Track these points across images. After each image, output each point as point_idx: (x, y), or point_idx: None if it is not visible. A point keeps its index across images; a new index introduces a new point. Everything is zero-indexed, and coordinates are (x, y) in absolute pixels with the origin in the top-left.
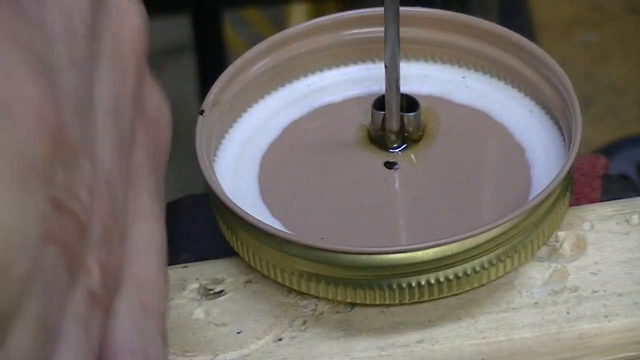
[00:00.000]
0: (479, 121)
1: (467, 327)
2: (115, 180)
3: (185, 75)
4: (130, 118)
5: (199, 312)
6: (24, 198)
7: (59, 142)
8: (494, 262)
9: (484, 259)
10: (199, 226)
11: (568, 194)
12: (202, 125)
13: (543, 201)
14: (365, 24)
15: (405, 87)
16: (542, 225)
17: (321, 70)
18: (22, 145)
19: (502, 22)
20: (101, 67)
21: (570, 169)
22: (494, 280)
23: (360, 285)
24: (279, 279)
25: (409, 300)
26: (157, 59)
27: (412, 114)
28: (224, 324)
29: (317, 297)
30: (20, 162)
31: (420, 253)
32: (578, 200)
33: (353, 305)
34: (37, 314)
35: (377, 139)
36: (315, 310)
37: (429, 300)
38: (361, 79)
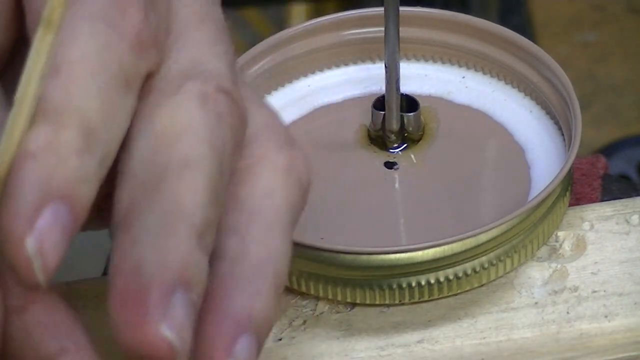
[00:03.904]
0: (479, 121)
1: (467, 327)
2: None
3: None
4: None
5: None
6: None
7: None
8: (494, 262)
9: (484, 259)
10: None
11: (568, 194)
12: None
13: (543, 201)
14: (365, 24)
15: (405, 87)
16: (542, 225)
17: (321, 70)
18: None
19: (502, 22)
20: None
21: (570, 169)
22: (494, 280)
23: (360, 285)
24: None
25: (409, 300)
26: None
27: (412, 114)
28: None
29: (317, 297)
30: None
31: (420, 253)
32: (578, 200)
33: (353, 305)
34: None
35: (377, 139)
36: (315, 310)
37: (429, 300)
38: (361, 79)
